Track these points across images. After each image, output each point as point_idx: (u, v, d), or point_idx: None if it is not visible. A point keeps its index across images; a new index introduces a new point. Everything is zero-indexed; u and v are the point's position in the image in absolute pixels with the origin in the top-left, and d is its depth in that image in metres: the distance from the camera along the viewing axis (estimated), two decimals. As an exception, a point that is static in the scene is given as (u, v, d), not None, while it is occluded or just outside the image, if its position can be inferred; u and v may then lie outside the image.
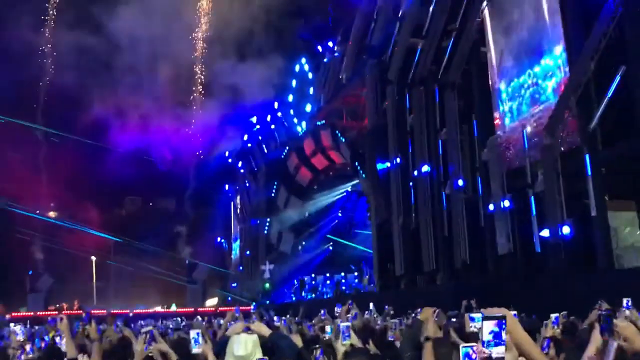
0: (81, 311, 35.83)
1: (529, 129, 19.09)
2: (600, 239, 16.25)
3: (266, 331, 4.33)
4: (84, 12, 41.12)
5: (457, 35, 22.86)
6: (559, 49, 18.00)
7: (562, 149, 17.46)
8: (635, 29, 15.23)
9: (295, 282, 38.90)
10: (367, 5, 31.24)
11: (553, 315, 6.76)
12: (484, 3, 21.36)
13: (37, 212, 47.79)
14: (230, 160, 51.01)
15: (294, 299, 36.46)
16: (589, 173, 16.43)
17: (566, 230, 16.64)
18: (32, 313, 39.38)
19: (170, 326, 16.04)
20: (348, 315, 9.88)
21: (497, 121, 20.79)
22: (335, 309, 11.66)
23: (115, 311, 31.96)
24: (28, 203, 46.24)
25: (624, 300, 7.14)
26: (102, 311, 33.08)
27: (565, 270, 16.96)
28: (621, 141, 16.51)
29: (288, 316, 16.75)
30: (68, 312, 37.72)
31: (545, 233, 17.46)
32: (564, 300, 13.07)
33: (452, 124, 22.97)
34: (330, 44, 36.77)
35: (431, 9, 24.66)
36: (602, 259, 16.08)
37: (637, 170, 15.88)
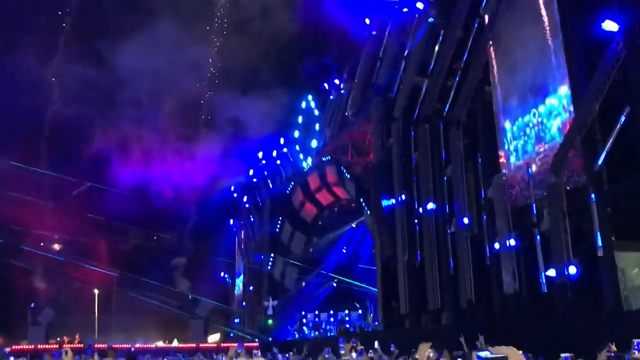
0: (82, 345, 35.47)
1: (534, 167, 19.11)
2: (608, 280, 16.09)
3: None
4: (90, 46, 41.71)
5: (462, 74, 23.12)
6: (564, 89, 18.15)
7: (568, 187, 17.44)
8: (638, 71, 15.38)
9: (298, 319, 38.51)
10: (374, 43, 31.71)
11: (563, 355, 6.70)
12: (489, 43, 21.65)
13: (41, 244, 47.76)
14: (235, 195, 51.12)
15: (297, 336, 36.02)
16: (595, 212, 16.38)
17: (572, 270, 16.50)
18: (32, 346, 38.99)
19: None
20: (353, 353, 9.78)
21: (502, 160, 20.84)
22: (339, 344, 11.54)
23: (116, 345, 31.64)
24: (32, 236, 46.25)
25: (634, 342, 7.07)
26: (104, 345, 32.73)
27: (572, 311, 16.75)
28: (627, 180, 16.50)
29: (291, 354, 16.55)
30: (69, 345, 37.34)
31: (551, 273, 17.30)
32: (571, 341, 12.88)
33: (457, 161, 23.03)
34: (337, 81, 37.22)
35: (436, 48, 25.02)
36: (610, 301, 15.89)
37: (643, 210, 15.83)
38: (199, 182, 47.97)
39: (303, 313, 37.80)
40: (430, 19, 26.14)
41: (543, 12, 19.06)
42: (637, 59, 15.46)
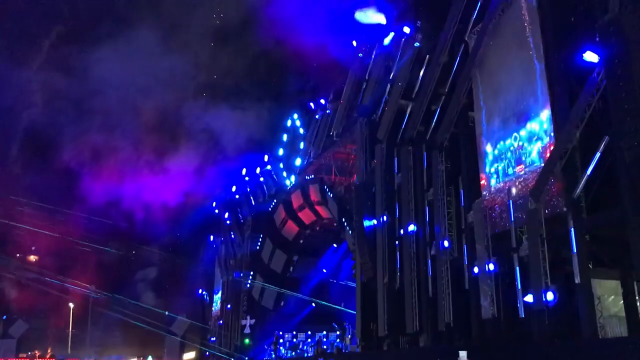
0: (54, 359, 34.76)
1: (514, 190, 19.30)
2: (584, 307, 16.18)
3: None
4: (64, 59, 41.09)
5: (446, 99, 23.37)
6: (545, 114, 18.43)
7: (547, 213, 17.59)
8: (618, 101, 15.65)
9: (277, 337, 38.13)
10: (360, 65, 31.99)
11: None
12: (474, 68, 21.94)
13: (17, 255, 46.99)
14: (216, 211, 50.82)
15: (273, 356, 35.64)
16: (573, 239, 16.52)
17: (550, 296, 16.58)
18: (3, 359, 38.11)
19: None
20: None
21: (483, 182, 21.03)
22: None
23: (89, 361, 31.06)
24: (6, 248, 45.52)
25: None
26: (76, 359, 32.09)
27: (549, 338, 16.78)
28: (605, 209, 16.69)
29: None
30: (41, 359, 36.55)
31: (529, 298, 17.36)
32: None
33: (439, 185, 23.16)
34: (322, 101, 37.42)
35: (422, 72, 25.30)
36: (586, 328, 15.97)
37: (620, 238, 15.99)
38: (178, 198, 47.66)
39: (280, 333, 37.44)
40: (416, 44, 26.49)
41: (527, 40, 19.40)
42: (616, 90, 15.74)
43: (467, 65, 22.20)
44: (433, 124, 24.04)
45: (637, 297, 15.84)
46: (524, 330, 17.94)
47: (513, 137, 19.83)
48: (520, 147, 19.50)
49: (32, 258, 49.18)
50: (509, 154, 19.99)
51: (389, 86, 28.10)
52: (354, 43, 32.32)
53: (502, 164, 20.25)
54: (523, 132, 19.36)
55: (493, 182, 20.57)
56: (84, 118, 42.58)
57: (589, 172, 16.45)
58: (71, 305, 47.72)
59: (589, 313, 16.07)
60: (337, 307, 37.72)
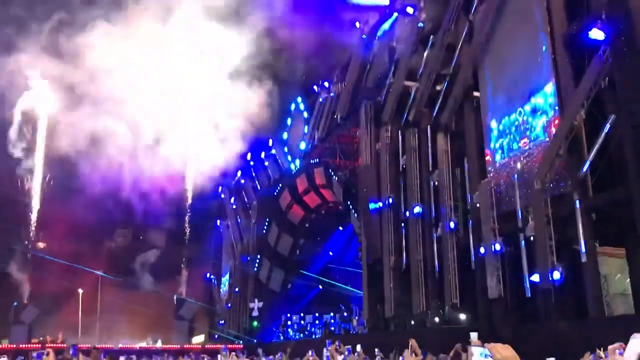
0: (64, 345, 35.15)
1: (519, 165, 19.33)
2: (591, 286, 16.26)
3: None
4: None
5: (451, 79, 23.27)
6: (549, 87, 18.35)
7: (553, 194, 17.60)
8: (624, 79, 15.57)
9: (285, 320, 38.44)
10: (363, 48, 31.83)
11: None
12: (478, 47, 21.82)
13: (26, 243, 47.32)
14: (222, 196, 50.97)
15: (282, 338, 35.97)
16: (579, 219, 16.54)
17: (556, 275, 16.65)
18: (14, 345, 38.59)
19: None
20: (338, 355, 9.81)
21: (488, 157, 21.04)
22: (326, 347, 11.59)
23: (100, 346, 31.40)
24: (16, 234, 45.83)
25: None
26: (87, 345, 32.49)
27: (556, 317, 16.88)
28: (611, 188, 16.68)
29: (277, 355, 16.54)
30: (52, 345, 37.00)
31: (535, 278, 17.44)
32: (554, 346, 12.99)
33: (444, 166, 23.17)
34: (326, 84, 37.26)
35: (425, 53, 25.17)
36: (593, 306, 16.06)
37: (627, 216, 16.00)
38: (186, 182, 47.72)
39: (289, 315, 37.74)
40: (420, 24, 26.30)
41: (533, 16, 19.27)
42: (622, 68, 15.65)
43: (472, 44, 22.08)
44: (438, 105, 23.97)
45: (643, 275, 15.87)
46: (531, 310, 18.07)
47: (518, 111, 19.82)
48: (524, 121, 19.49)
49: (41, 245, 49.53)
50: (513, 129, 20.00)
51: (392, 68, 27.97)
52: (357, 25, 32.10)
53: (507, 139, 20.28)
54: (527, 107, 19.33)
55: (498, 157, 20.61)
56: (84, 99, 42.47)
57: (594, 151, 16.42)
58: (80, 291, 48.14)
59: (595, 291, 16.16)
60: (344, 286, 37.96)
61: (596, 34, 16.48)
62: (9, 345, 38.69)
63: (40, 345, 37.13)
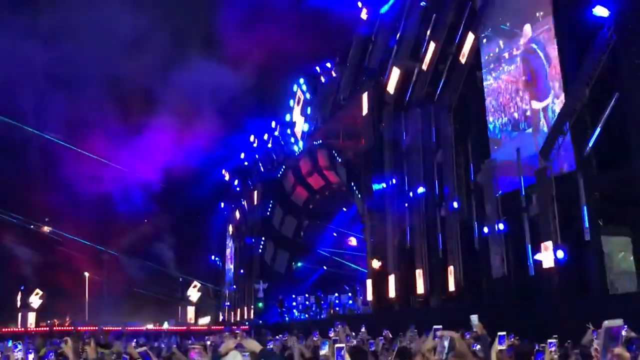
0: (72, 328, 35.53)
1: (522, 144, 19.33)
2: (594, 264, 16.29)
3: (257, 347, 4.37)
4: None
5: (454, 59, 23.12)
6: (553, 70, 18.27)
7: (556, 172, 17.57)
8: (628, 57, 15.44)
9: (282, 300, 38.63)
10: (366, 27, 31.59)
11: (549, 341, 6.84)
12: (481, 25, 21.67)
13: (32, 226, 47.59)
14: (226, 178, 51.07)
15: (287, 319, 36.24)
16: (583, 198, 16.53)
17: (560, 254, 16.67)
18: (23, 329, 39.02)
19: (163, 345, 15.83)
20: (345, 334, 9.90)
21: (490, 137, 21.01)
22: (336, 327, 11.68)
23: (107, 328, 31.72)
24: (21, 216, 46.06)
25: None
26: (94, 328, 32.81)
27: (559, 296, 16.96)
28: (615, 166, 16.64)
29: (281, 335, 16.65)
30: (59, 328, 37.40)
31: (539, 257, 17.47)
32: (557, 324, 13.05)
33: (448, 146, 23.12)
34: (329, 64, 37.09)
35: (428, 32, 24.98)
36: (596, 285, 16.11)
37: (631, 195, 15.98)
38: (190, 164, 47.78)
39: (293, 296, 37.97)
40: (422, 3, 26.06)
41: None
42: (627, 46, 15.52)
43: (475, 24, 21.90)
44: (441, 84, 23.85)
45: (646, 254, 15.90)
46: (535, 289, 18.14)
47: (521, 92, 19.76)
48: (528, 103, 19.45)
49: (46, 228, 49.80)
50: (517, 109, 19.96)
51: (395, 48, 27.78)
52: (359, 4, 31.84)
53: (510, 117, 20.23)
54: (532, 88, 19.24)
55: (501, 137, 20.57)
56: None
57: (598, 129, 16.35)
58: (87, 274, 48.53)
59: (599, 270, 16.18)
60: (349, 264, 38.14)
61: (600, 10, 16.29)
62: (17, 329, 39.13)
63: (48, 329, 37.56)
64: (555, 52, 18.25)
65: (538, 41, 19.07)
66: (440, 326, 5.74)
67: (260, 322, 38.11)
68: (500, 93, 20.82)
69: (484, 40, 21.75)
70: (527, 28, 19.59)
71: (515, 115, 19.99)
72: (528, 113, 19.46)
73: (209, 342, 12.57)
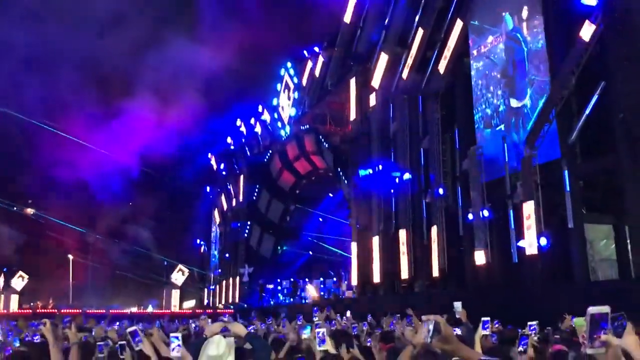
0: (56, 310, 35.38)
1: (507, 129, 19.44)
2: (577, 251, 16.48)
3: (243, 331, 4.36)
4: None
5: (442, 46, 23.08)
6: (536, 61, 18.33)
7: (541, 159, 17.68)
8: (615, 46, 15.51)
9: (262, 285, 38.74)
10: (353, 12, 31.40)
11: (529, 324, 6.93)
12: (470, 12, 21.64)
13: (14, 208, 47.11)
14: (212, 162, 50.85)
15: (272, 303, 36.35)
16: (567, 186, 16.66)
17: (543, 241, 16.83)
18: (5, 311, 38.78)
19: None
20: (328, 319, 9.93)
21: (476, 125, 21.09)
22: (313, 313, 11.70)
23: (90, 311, 31.65)
24: (4, 199, 45.57)
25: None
26: (77, 310, 32.68)
27: (542, 282, 17.15)
28: (599, 155, 16.78)
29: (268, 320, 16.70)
30: (42, 311, 37.22)
31: (523, 244, 17.63)
32: (539, 310, 13.21)
33: (434, 133, 23.15)
34: (316, 49, 36.86)
35: (417, 18, 24.89)
36: (578, 271, 16.30)
37: (614, 183, 16.14)
38: (176, 148, 47.54)
39: (279, 280, 38.08)
40: (412, -11, 25.93)
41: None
42: (614, 35, 15.57)
43: (463, 11, 21.85)
44: (429, 71, 23.82)
45: (628, 241, 16.10)
46: (518, 275, 18.31)
47: (507, 78, 19.85)
48: (514, 88, 19.54)
49: (30, 210, 49.33)
50: (503, 95, 20.05)
51: (383, 33, 27.67)
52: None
53: (496, 102, 20.31)
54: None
55: (487, 122, 20.65)
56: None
57: (584, 118, 16.46)
58: (70, 257, 48.22)
59: (581, 257, 16.38)
60: (334, 249, 38.24)
61: (588, -1, 16.35)
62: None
63: (31, 312, 37.36)
64: (541, 41, 18.30)
65: (523, 30, 19.11)
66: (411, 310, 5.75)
67: (245, 306, 38.18)
68: (484, 84, 20.90)
69: (472, 28, 21.74)
70: (514, 16, 19.62)
71: (504, 101, 20.05)
72: (501, 108, 19.70)
73: (193, 325, 12.57)
